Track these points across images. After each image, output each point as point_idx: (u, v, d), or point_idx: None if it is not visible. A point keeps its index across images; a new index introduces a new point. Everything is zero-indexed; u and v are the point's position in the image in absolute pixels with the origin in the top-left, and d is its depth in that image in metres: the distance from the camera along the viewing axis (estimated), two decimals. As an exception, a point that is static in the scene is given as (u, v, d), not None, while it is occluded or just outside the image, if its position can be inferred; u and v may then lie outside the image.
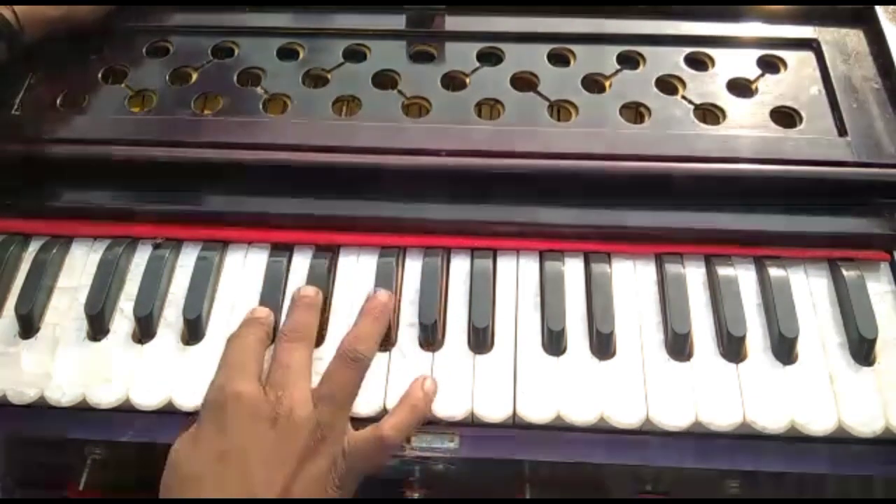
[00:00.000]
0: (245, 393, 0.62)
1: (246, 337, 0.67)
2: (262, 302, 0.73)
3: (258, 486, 0.59)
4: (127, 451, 0.70)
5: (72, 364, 0.71)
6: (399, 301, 0.73)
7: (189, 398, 0.68)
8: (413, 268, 0.75)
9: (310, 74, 0.86)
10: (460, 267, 0.75)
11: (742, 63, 0.85)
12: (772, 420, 0.66)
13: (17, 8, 0.83)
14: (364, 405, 0.67)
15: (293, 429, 0.61)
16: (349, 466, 0.63)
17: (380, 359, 0.69)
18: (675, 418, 0.66)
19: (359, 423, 0.66)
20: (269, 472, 0.59)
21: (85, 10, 0.89)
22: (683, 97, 0.82)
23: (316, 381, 0.66)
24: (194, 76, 0.86)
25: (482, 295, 0.72)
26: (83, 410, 0.69)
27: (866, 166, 0.76)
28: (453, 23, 0.90)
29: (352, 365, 0.65)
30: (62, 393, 0.69)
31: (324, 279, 0.74)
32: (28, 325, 0.72)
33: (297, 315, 0.69)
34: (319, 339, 0.71)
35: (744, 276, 0.73)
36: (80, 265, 0.76)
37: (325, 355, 0.70)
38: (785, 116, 0.81)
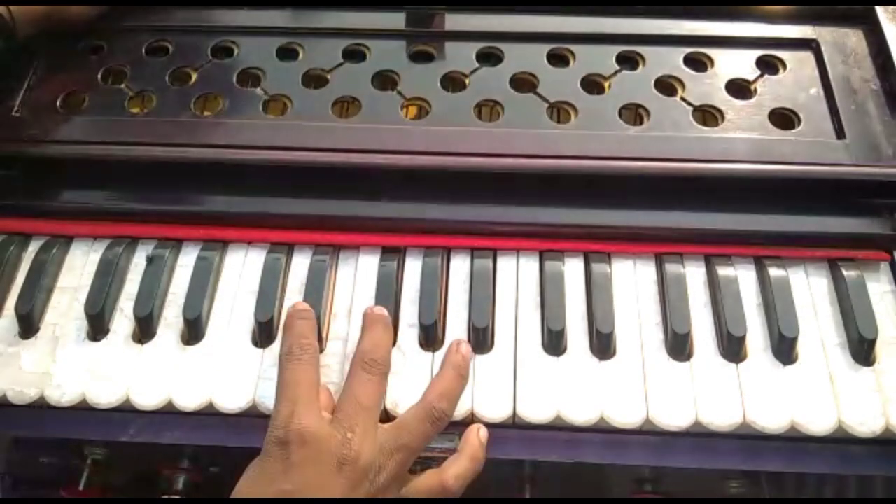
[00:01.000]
0: (311, 433, 0.60)
1: (301, 357, 0.65)
2: (262, 302, 0.73)
3: None
4: (127, 451, 0.70)
5: (72, 364, 0.71)
6: (399, 301, 0.73)
7: (189, 398, 0.68)
8: (413, 268, 0.75)
9: (309, 75, 0.86)
10: (460, 267, 0.75)
11: (741, 64, 0.85)
12: (772, 420, 0.66)
13: (12, 6, 0.83)
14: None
15: (357, 475, 0.60)
16: None
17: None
18: (675, 418, 0.66)
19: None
20: None
21: (79, 9, 0.89)
22: (682, 98, 0.82)
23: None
24: (194, 76, 0.86)
25: (482, 295, 0.72)
26: (83, 410, 0.69)
27: (864, 167, 0.76)
28: (453, 22, 0.90)
29: (435, 423, 0.64)
30: (62, 393, 0.69)
31: (324, 279, 0.73)
32: (28, 325, 0.72)
33: (378, 339, 0.67)
34: (318, 342, 0.71)
35: (744, 276, 0.73)
36: (80, 265, 0.76)
37: (323, 359, 0.70)
38: (783, 118, 0.81)
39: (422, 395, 0.66)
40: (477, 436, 0.66)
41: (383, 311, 0.69)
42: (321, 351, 0.70)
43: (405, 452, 0.63)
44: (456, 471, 0.64)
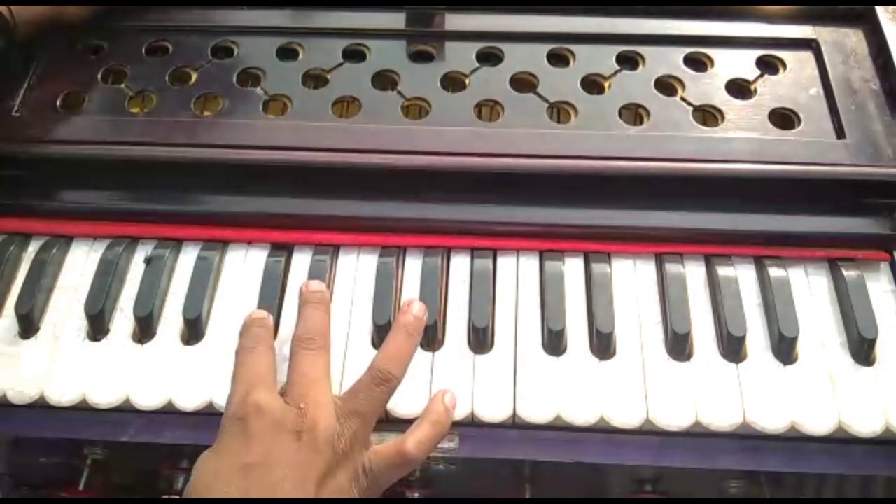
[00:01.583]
0: (267, 404, 0.61)
1: (254, 348, 0.66)
2: (262, 301, 0.73)
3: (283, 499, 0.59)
4: (127, 451, 0.70)
5: (72, 364, 0.71)
6: (399, 301, 0.73)
7: (189, 398, 0.69)
8: (413, 268, 0.75)
9: (309, 75, 0.86)
10: (460, 267, 0.75)
11: (741, 63, 0.85)
12: (772, 420, 0.66)
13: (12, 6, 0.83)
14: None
15: (317, 443, 0.60)
16: (371, 481, 0.62)
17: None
18: (675, 418, 0.66)
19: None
20: (294, 486, 0.58)
21: (79, 9, 0.89)
22: (682, 98, 0.82)
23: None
24: (194, 76, 0.86)
25: (482, 295, 0.72)
26: (83, 410, 0.69)
27: (864, 167, 0.76)
28: (453, 22, 0.90)
29: (382, 384, 0.64)
30: (62, 393, 0.69)
31: (324, 279, 0.73)
32: (28, 325, 0.72)
33: (310, 317, 0.68)
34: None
35: (744, 276, 0.73)
36: (80, 265, 0.76)
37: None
38: (783, 118, 0.81)
39: (372, 360, 0.65)
40: (442, 401, 0.66)
41: (318, 289, 0.70)
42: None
43: (359, 417, 0.62)
44: (417, 436, 0.63)
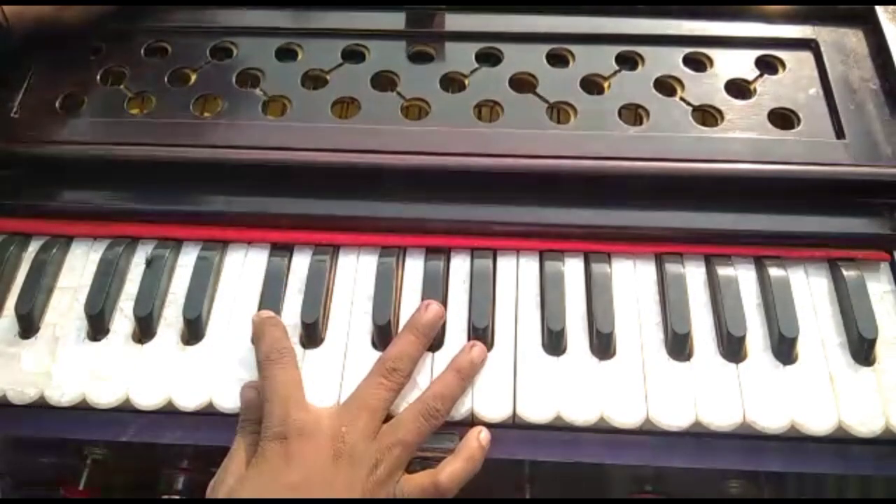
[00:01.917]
0: (310, 424, 0.62)
1: (280, 359, 0.66)
2: (262, 302, 0.73)
3: None
4: (127, 451, 0.70)
5: (72, 364, 0.71)
6: (399, 301, 0.73)
7: (189, 398, 0.69)
8: (413, 268, 0.75)
9: (309, 75, 0.86)
10: (460, 267, 0.75)
11: (740, 64, 0.85)
12: (772, 420, 0.66)
13: (6, 7, 0.83)
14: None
15: (355, 467, 0.61)
16: None
17: (380, 358, 0.69)
18: (675, 418, 0.66)
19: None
20: None
21: (78, 10, 0.89)
22: (682, 98, 0.82)
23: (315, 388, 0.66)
24: (193, 77, 0.86)
25: (482, 295, 0.72)
26: (83, 410, 0.69)
27: (864, 167, 0.76)
28: (453, 22, 0.90)
29: (429, 420, 0.65)
30: (62, 393, 0.69)
31: (324, 279, 0.73)
32: (28, 325, 0.72)
33: (406, 347, 0.68)
34: (318, 342, 0.71)
35: (744, 276, 0.73)
36: (80, 265, 0.76)
37: (323, 359, 0.70)
38: (783, 118, 0.81)
39: (422, 394, 0.66)
40: (477, 438, 0.66)
41: (434, 318, 0.69)
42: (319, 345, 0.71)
43: (401, 448, 0.63)
44: (451, 470, 0.64)
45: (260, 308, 0.72)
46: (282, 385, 0.65)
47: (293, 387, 0.65)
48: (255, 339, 0.69)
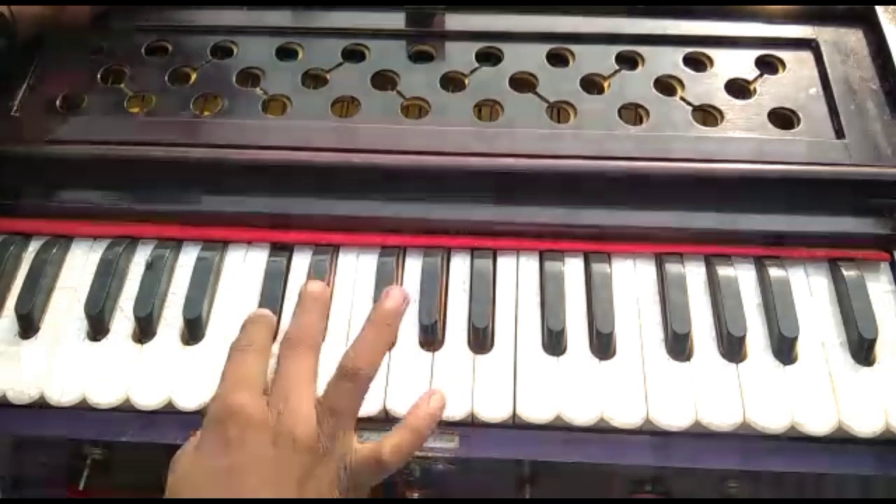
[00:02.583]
0: (246, 407, 0.60)
1: (246, 347, 0.65)
2: (262, 302, 0.73)
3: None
4: (127, 451, 0.70)
5: (72, 364, 0.71)
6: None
7: (189, 398, 0.69)
8: (413, 268, 0.75)
9: (309, 75, 0.86)
10: (460, 267, 0.75)
11: (741, 63, 0.85)
12: (772, 420, 0.66)
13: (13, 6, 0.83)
14: (364, 406, 0.67)
15: (295, 446, 0.59)
16: (351, 482, 0.61)
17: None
18: (675, 418, 0.66)
19: (360, 423, 0.65)
20: (271, 490, 0.58)
21: (78, 9, 0.89)
22: (682, 98, 0.82)
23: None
24: (193, 76, 0.86)
25: (482, 295, 0.72)
26: (83, 410, 0.69)
27: (864, 167, 0.76)
28: (453, 22, 0.90)
29: (352, 378, 0.62)
30: (62, 393, 0.69)
31: (323, 279, 0.73)
32: (28, 325, 0.72)
33: (303, 317, 0.67)
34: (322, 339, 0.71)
35: (744, 276, 0.73)
36: (80, 265, 0.76)
37: (324, 357, 0.69)
38: (783, 118, 0.81)
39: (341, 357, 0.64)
40: (427, 404, 0.63)
41: (314, 290, 0.67)
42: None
43: (335, 416, 0.61)
44: (394, 441, 0.62)
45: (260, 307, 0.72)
46: (236, 368, 0.63)
47: (249, 371, 0.63)
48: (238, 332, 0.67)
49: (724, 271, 0.73)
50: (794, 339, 0.69)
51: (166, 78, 0.86)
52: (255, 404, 0.61)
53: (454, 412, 0.67)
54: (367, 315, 0.65)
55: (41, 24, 0.87)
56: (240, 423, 0.60)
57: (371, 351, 0.64)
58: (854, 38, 0.86)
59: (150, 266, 0.75)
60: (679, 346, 0.69)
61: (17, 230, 0.78)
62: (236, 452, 0.59)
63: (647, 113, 0.81)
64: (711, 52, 0.86)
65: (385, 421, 0.67)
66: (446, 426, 0.67)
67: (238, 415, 0.60)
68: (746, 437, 0.67)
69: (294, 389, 0.62)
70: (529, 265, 0.75)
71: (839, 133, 0.79)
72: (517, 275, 0.74)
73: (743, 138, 0.78)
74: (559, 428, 0.67)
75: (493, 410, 0.67)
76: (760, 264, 0.74)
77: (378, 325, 0.65)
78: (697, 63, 0.86)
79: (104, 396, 0.69)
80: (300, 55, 0.88)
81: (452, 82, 0.85)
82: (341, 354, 0.69)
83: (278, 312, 0.72)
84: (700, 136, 0.79)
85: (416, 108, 0.84)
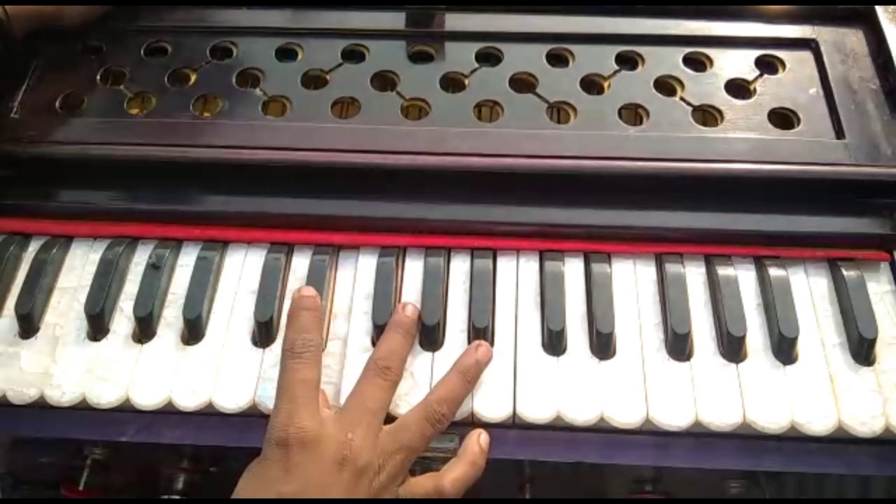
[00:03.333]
0: (312, 434, 0.61)
1: (303, 354, 0.65)
2: (262, 301, 0.73)
3: None
4: (127, 451, 0.70)
5: (72, 364, 0.71)
6: (399, 301, 0.73)
7: (189, 398, 0.69)
8: (413, 268, 0.75)
9: (309, 75, 0.86)
10: (460, 267, 0.75)
11: (740, 63, 0.85)
12: (772, 420, 0.66)
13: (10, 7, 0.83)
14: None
15: (359, 476, 0.61)
16: None
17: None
18: (675, 418, 0.66)
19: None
20: None
21: (78, 9, 0.89)
22: (682, 98, 0.82)
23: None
24: (193, 77, 0.86)
25: (482, 295, 0.72)
26: (83, 410, 0.69)
27: (864, 167, 0.76)
28: (453, 22, 0.90)
29: (434, 425, 0.64)
30: (62, 393, 0.69)
31: (324, 279, 0.73)
32: (28, 325, 0.72)
33: (395, 344, 0.68)
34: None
35: (744, 276, 0.73)
36: (80, 265, 0.76)
37: (324, 358, 0.70)
38: (783, 118, 0.81)
39: (425, 397, 0.66)
40: (478, 441, 0.66)
41: (414, 316, 0.70)
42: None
43: (405, 452, 0.63)
44: (454, 475, 0.64)
45: (258, 308, 0.72)
46: (294, 384, 0.64)
47: (306, 387, 0.64)
48: (288, 322, 0.68)
49: (724, 271, 0.73)
50: (794, 339, 0.69)
51: (166, 79, 0.86)
52: (319, 428, 0.62)
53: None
54: (457, 362, 0.67)
55: (41, 24, 0.87)
56: (304, 450, 0.60)
57: (457, 399, 0.66)
58: (854, 38, 0.86)
59: (154, 266, 0.75)
60: (679, 346, 0.69)
61: (17, 230, 0.78)
62: (298, 480, 0.60)
63: (647, 113, 0.81)
64: (711, 52, 0.86)
65: (386, 422, 0.66)
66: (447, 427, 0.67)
67: (303, 442, 0.61)
68: (746, 437, 0.67)
69: (368, 417, 0.63)
70: (529, 265, 0.75)
71: (839, 133, 0.79)
72: (517, 275, 0.74)
73: (743, 138, 0.78)
74: (559, 428, 0.67)
75: (493, 410, 0.67)
76: (760, 264, 0.74)
77: (464, 376, 0.67)
78: (697, 63, 0.86)
79: (104, 396, 0.69)
80: (300, 55, 0.88)
81: (452, 82, 0.85)
82: (340, 355, 0.70)
83: (278, 313, 0.72)
84: (700, 136, 0.79)
85: (416, 109, 0.84)
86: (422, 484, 0.64)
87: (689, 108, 0.81)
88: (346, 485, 0.60)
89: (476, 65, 0.86)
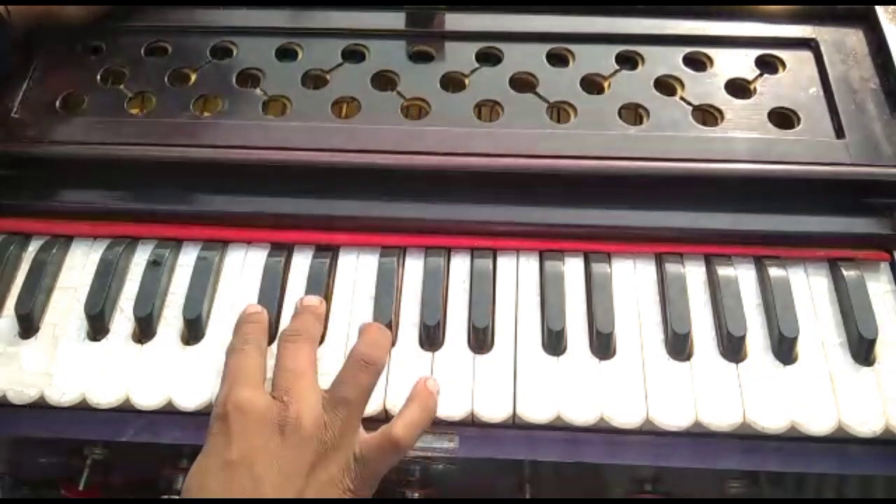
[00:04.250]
0: (248, 400, 0.61)
1: (242, 347, 0.66)
2: (262, 302, 0.73)
3: (268, 495, 0.58)
4: (127, 451, 0.70)
5: (72, 364, 0.71)
6: (399, 301, 0.73)
7: (189, 398, 0.69)
8: (413, 268, 0.75)
9: (309, 75, 0.86)
10: (460, 267, 0.75)
11: (740, 63, 0.85)
12: (772, 420, 0.66)
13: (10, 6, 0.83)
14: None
15: (302, 434, 0.60)
16: (363, 470, 0.61)
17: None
18: (675, 418, 0.66)
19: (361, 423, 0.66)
20: (279, 480, 0.58)
21: (78, 9, 0.89)
22: (682, 98, 0.82)
23: (322, 382, 0.66)
24: (193, 77, 0.86)
25: (482, 295, 0.72)
26: (83, 410, 0.69)
27: (864, 167, 0.76)
28: (453, 22, 0.90)
29: (365, 369, 0.64)
30: (62, 393, 0.69)
31: (324, 279, 0.74)
32: (28, 325, 0.72)
33: (300, 318, 0.69)
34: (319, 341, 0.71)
35: (744, 276, 0.73)
36: (80, 265, 0.76)
37: (324, 356, 0.70)
38: (783, 117, 0.81)
39: (351, 349, 0.66)
40: (425, 385, 0.66)
41: (312, 301, 0.70)
42: (321, 342, 0.71)
43: (346, 406, 0.62)
44: (404, 420, 0.63)
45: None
46: (234, 367, 0.65)
47: (248, 368, 0.64)
48: (232, 334, 0.69)
49: (724, 271, 0.73)
50: (794, 339, 0.69)
51: (166, 78, 0.86)
52: (255, 396, 0.62)
53: (454, 412, 0.67)
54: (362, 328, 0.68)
55: (41, 23, 0.87)
56: (243, 415, 0.60)
57: (382, 343, 0.66)
58: (854, 38, 0.86)
59: (155, 263, 0.75)
60: (679, 346, 0.69)
61: (17, 230, 0.78)
62: (241, 444, 0.59)
63: (647, 113, 0.81)
64: (711, 51, 0.86)
65: (385, 421, 0.66)
66: (446, 426, 0.67)
67: (240, 408, 0.61)
68: (746, 437, 0.67)
69: (296, 380, 0.63)
70: (529, 265, 0.75)
71: (839, 133, 0.79)
72: (517, 275, 0.74)
73: (743, 138, 0.78)
74: (559, 428, 0.67)
75: (493, 410, 0.67)
76: (760, 264, 0.74)
77: (379, 325, 0.67)
78: (697, 63, 0.86)
79: (104, 396, 0.69)
80: (300, 55, 0.88)
81: (452, 82, 0.85)
82: (340, 355, 0.70)
83: (277, 313, 0.72)
84: (700, 135, 0.79)
85: (416, 109, 0.84)
86: (374, 440, 0.62)
87: (690, 108, 0.81)
88: (292, 446, 0.59)
89: (476, 65, 0.86)
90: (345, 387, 0.63)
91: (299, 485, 0.59)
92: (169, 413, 0.69)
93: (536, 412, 0.67)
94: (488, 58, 0.87)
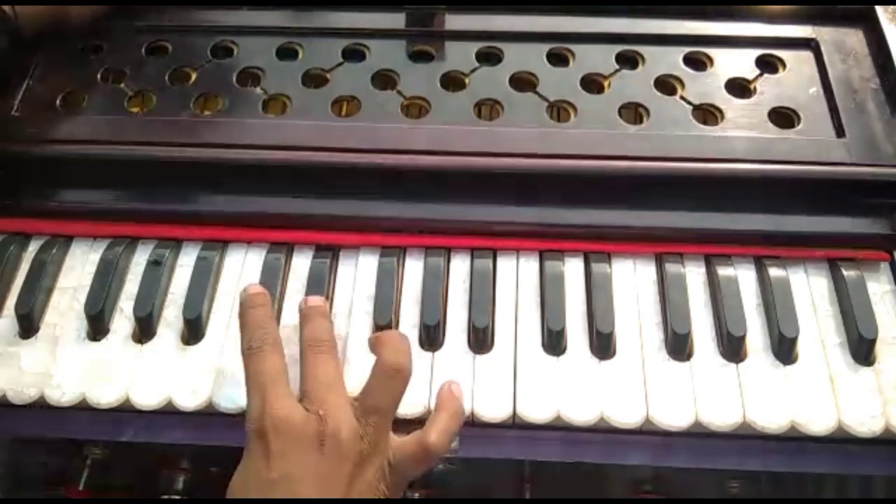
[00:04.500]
0: (286, 419, 0.61)
1: (260, 347, 0.65)
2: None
3: None
4: (127, 451, 0.70)
5: (72, 364, 0.71)
6: (400, 301, 0.73)
7: (189, 398, 0.69)
8: (414, 268, 0.75)
9: (309, 74, 0.86)
10: (460, 267, 0.75)
11: (741, 63, 0.85)
12: (772, 420, 0.66)
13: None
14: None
15: (341, 449, 0.60)
16: (396, 475, 0.62)
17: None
18: (675, 418, 0.66)
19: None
20: (320, 493, 0.59)
21: (79, 9, 0.89)
22: (682, 97, 0.82)
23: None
24: (193, 76, 0.86)
25: (482, 295, 0.72)
26: (83, 410, 0.69)
27: (864, 167, 0.76)
28: (453, 22, 0.90)
29: (394, 377, 0.64)
30: (62, 393, 0.69)
31: (324, 279, 0.74)
32: (28, 325, 0.72)
33: (315, 324, 0.68)
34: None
35: (744, 276, 0.73)
36: (80, 265, 0.76)
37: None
38: (783, 117, 0.81)
39: (377, 358, 0.65)
40: (450, 390, 0.66)
41: (318, 302, 0.70)
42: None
43: (378, 414, 0.62)
44: (438, 427, 0.64)
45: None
46: (258, 375, 0.64)
47: (271, 375, 0.63)
48: (239, 324, 0.68)
49: (724, 271, 0.73)
50: (794, 339, 0.69)
51: (166, 78, 0.86)
52: (293, 412, 0.61)
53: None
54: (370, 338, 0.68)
55: (42, 23, 0.87)
56: (281, 435, 0.60)
57: (407, 350, 0.66)
58: (854, 38, 0.86)
59: (155, 262, 0.75)
60: (679, 346, 0.69)
61: (17, 230, 0.78)
62: (281, 464, 0.59)
63: (648, 112, 0.81)
64: (711, 51, 0.86)
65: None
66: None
67: (277, 428, 0.60)
68: (746, 437, 0.67)
69: (328, 391, 0.63)
70: (529, 265, 0.75)
71: (839, 132, 0.79)
72: (517, 275, 0.74)
73: (743, 137, 0.78)
74: (559, 428, 0.67)
75: (493, 410, 0.67)
76: (760, 264, 0.74)
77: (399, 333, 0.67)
78: (697, 62, 0.86)
79: (104, 396, 0.69)
80: (300, 55, 0.88)
81: (452, 82, 0.85)
82: (341, 355, 0.70)
83: (278, 313, 0.72)
84: (700, 135, 0.79)
85: (416, 108, 0.84)
86: (409, 444, 0.63)
87: (690, 108, 0.81)
88: (332, 460, 0.60)
89: (476, 64, 0.86)
90: (376, 396, 0.63)
91: (339, 496, 0.59)
92: (169, 413, 0.69)
93: (536, 412, 0.67)
94: (488, 57, 0.87)
